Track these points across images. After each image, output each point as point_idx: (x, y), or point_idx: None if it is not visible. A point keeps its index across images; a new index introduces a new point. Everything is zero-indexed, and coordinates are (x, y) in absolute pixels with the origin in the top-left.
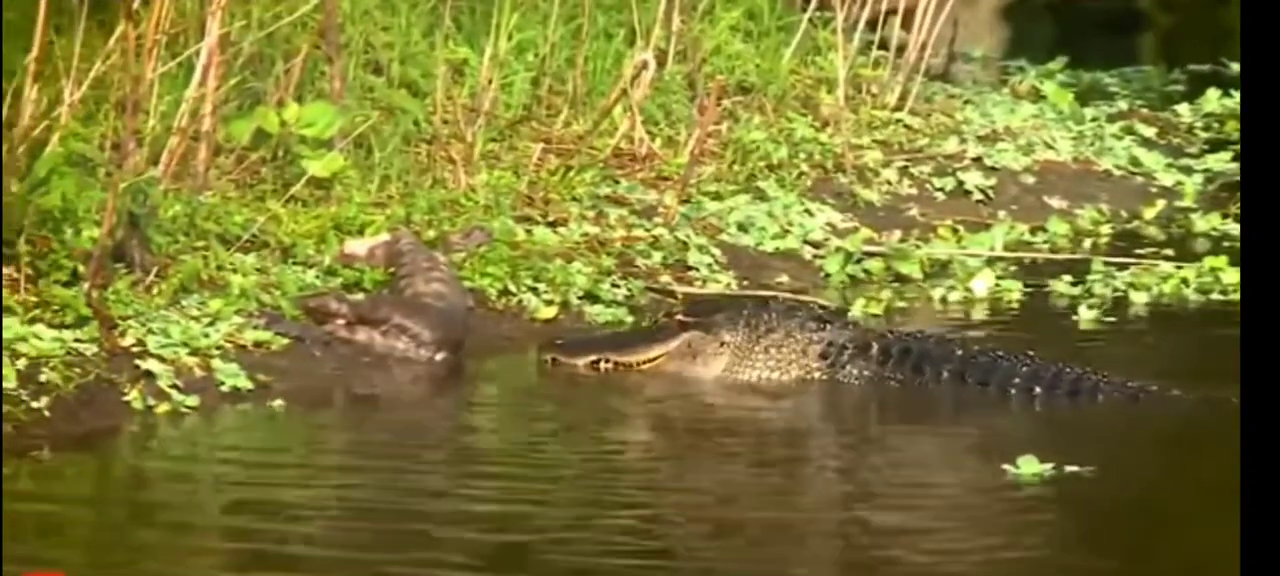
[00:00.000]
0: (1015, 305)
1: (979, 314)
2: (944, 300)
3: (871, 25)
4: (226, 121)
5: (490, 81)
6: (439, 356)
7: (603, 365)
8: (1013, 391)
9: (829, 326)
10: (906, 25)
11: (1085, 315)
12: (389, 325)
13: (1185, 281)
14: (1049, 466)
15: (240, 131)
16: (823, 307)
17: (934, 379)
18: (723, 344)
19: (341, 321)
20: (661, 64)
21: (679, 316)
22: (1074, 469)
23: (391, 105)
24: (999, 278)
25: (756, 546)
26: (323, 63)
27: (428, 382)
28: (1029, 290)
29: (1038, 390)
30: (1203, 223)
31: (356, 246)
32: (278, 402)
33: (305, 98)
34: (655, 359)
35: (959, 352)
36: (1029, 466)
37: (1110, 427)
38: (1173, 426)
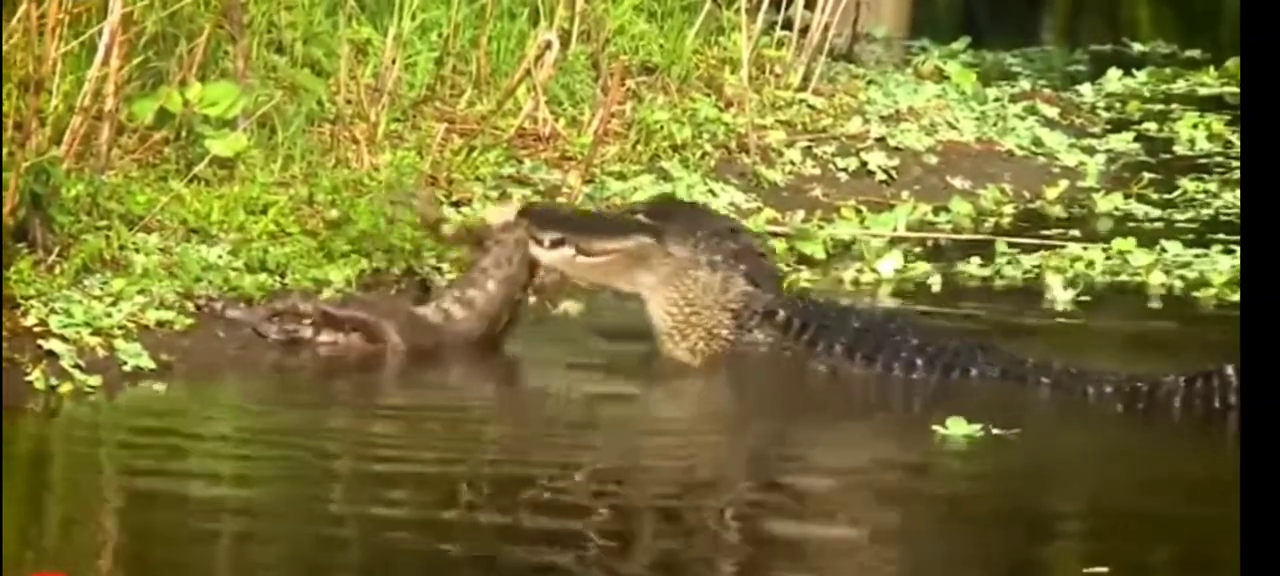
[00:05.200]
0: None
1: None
2: (856, 282)
3: (775, 5)
4: (129, 101)
5: (393, 61)
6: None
7: (566, 247)
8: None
9: (757, 290)
10: (810, 5)
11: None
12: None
13: (1091, 263)
14: (977, 427)
15: (143, 111)
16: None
17: (827, 351)
18: (668, 255)
19: (308, 322)
20: (565, 44)
21: (639, 213)
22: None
23: (295, 85)
24: (905, 259)
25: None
26: (226, 42)
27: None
28: (946, 271)
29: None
30: (1105, 203)
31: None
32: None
33: (208, 77)
34: (611, 254)
35: (855, 325)
36: (958, 427)
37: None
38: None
